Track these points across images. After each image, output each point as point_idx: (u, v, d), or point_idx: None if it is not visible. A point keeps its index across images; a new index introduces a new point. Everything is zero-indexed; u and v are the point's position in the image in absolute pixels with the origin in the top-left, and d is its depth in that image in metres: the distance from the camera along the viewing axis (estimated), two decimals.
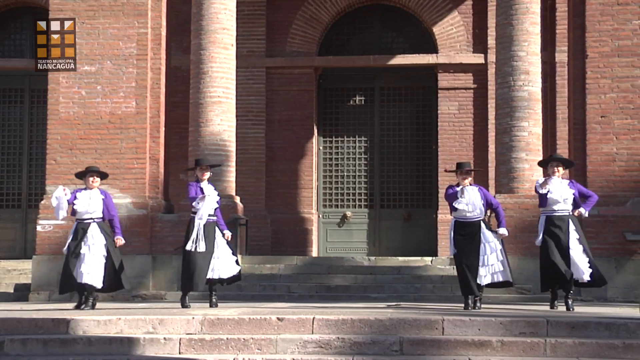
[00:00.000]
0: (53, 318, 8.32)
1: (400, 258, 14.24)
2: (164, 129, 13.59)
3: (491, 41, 15.51)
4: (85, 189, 10.48)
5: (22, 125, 16.99)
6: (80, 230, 10.25)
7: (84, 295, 10.28)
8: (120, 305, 11.28)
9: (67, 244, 10.33)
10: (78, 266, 10.11)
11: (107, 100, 13.31)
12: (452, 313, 8.74)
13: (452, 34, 16.43)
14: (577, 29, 13.06)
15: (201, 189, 10.21)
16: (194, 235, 9.99)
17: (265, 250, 15.71)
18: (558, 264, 9.95)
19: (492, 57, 15.38)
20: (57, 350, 7.81)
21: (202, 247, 10.01)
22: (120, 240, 10.44)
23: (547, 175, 10.44)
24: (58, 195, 10.17)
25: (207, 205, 10.06)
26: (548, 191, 10.08)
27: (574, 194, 10.22)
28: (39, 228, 13.22)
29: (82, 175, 10.65)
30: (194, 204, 10.12)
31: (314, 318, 8.06)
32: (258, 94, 16.43)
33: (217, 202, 10.32)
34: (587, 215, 10.43)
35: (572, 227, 10.12)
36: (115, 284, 10.48)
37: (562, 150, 15.34)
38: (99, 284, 10.23)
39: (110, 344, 7.81)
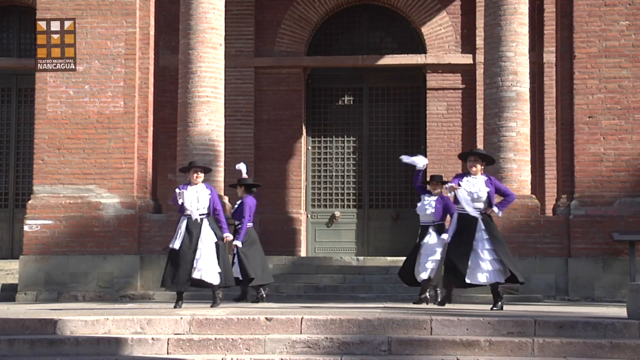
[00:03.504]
0: (40, 318, 8.28)
1: (389, 258, 14.26)
2: (152, 128, 13.55)
3: (479, 41, 15.55)
4: (189, 184, 10.40)
5: (9, 124, 16.90)
6: (191, 226, 10.20)
7: (182, 294, 10.28)
8: (108, 305, 11.25)
9: (177, 239, 10.16)
10: (195, 263, 10.14)
11: (95, 100, 13.27)
12: (440, 313, 8.75)
13: (440, 34, 16.45)
14: (565, 30, 13.11)
15: None
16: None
17: None
18: (457, 266, 9.75)
19: (480, 57, 15.41)
20: (44, 350, 7.77)
21: None
22: (229, 237, 10.51)
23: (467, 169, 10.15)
24: (181, 191, 10.18)
25: None
26: (455, 194, 9.87)
27: (488, 192, 9.86)
28: (26, 228, 13.16)
29: (186, 170, 10.62)
30: None
31: (302, 318, 8.05)
32: (247, 94, 16.40)
33: None
34: (500, 214, 10.08)
35: (480, 226, 9.79)
36: (228, 281, 10.49)
37: (550, 150, 15.41)
38: (216, 281, 10.29)
39: (98, 344, 7.78)
